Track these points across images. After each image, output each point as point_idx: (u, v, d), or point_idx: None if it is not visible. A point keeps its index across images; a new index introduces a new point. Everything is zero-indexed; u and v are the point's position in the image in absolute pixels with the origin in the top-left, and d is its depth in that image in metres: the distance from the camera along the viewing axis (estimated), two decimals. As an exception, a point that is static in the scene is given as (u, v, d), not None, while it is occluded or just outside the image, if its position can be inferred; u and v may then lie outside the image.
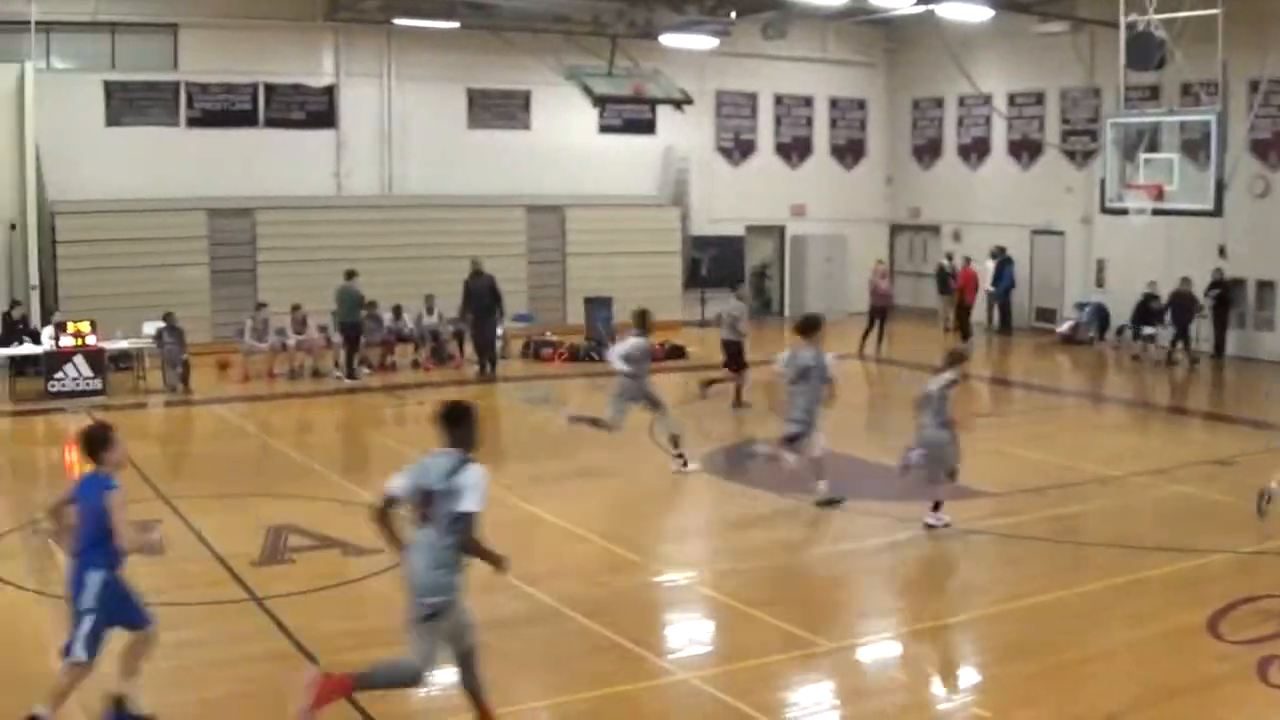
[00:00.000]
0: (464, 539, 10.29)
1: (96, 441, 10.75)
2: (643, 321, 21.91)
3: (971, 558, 16.60)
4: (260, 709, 11.46)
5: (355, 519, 17.54)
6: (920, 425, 17.25)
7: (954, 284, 40.03)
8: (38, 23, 32.66)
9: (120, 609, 10.72)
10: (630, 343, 21.74)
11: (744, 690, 11.70)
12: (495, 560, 10.60)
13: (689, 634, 13.81)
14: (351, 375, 30.80)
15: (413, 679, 10.51)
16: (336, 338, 31.85)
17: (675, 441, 21.10)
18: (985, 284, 39.87)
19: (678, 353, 34.12)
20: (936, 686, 12.40)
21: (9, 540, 16.88)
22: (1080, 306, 38.24)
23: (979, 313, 40.16)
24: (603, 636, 12.94)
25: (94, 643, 10.57)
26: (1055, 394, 30.32)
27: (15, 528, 17.53)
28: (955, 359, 17.99)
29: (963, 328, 38.08)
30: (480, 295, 31.92)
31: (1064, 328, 37.80)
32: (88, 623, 10.50)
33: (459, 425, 10.57)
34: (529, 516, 17.95)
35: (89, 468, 10.83)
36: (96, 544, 10.47)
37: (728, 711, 11.40)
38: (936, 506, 17.27)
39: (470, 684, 10.81)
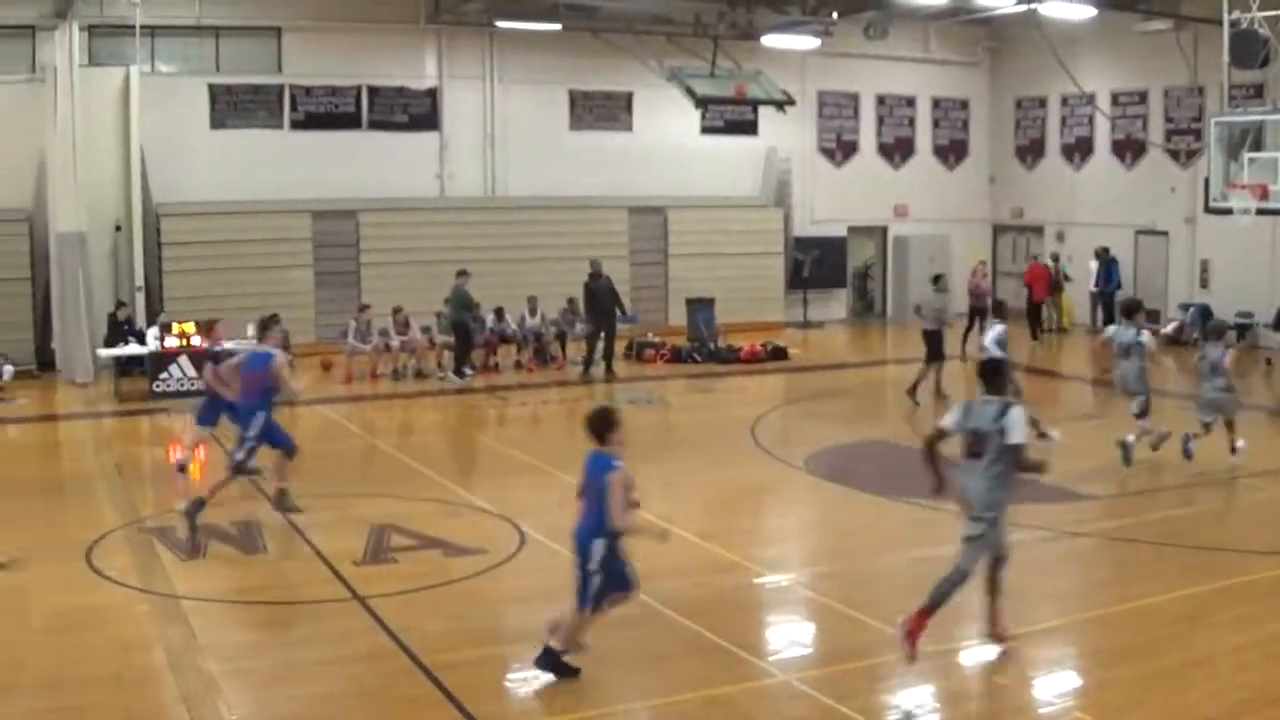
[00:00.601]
0: (1019, 464, 12.38)
1: (604, 423, 12.35)
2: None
3: (1076, 561, 16.46)
4: (363, 708, 11.51)
5: (458, 519, 17.75)
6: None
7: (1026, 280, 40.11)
8: (143, 26, 33.02)
9: (615, 575, 12.11)
10: (998, 329, 22.77)
11: (845, 693, 11.66)
12: (1038, 467, 12.89)
13: (790, 635, 13.76)
14: (459, 375, 30.94)
15: (962, 582, 12.43)
16: (440, 338, 32.05)
17: None
18: (1090, 284, 39.56)
19: (780, 354, 34.05)
20: (1039, 690, 12.29)
21: (114, 538, 17.04)
22: (1184, 308, 37.83)
23: (1083, 313, 39.86)
24: (704, 637, 12.91)
25: (596, 600, 12.04)
26: (1160, 395, 29.95)
27: (120, 526, 17.72)
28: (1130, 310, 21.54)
29: (1032, 326, 37.85)
30: (601, 297, 32.00)
31: (1168, 329, 37.37)
32: (594, 582, 11.97)
33: (995, 379, 12.86)
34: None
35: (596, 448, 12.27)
36: (599, 517, 12.02)
37: (829, 714, 11.36)
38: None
39: (994, 585, 12.75)
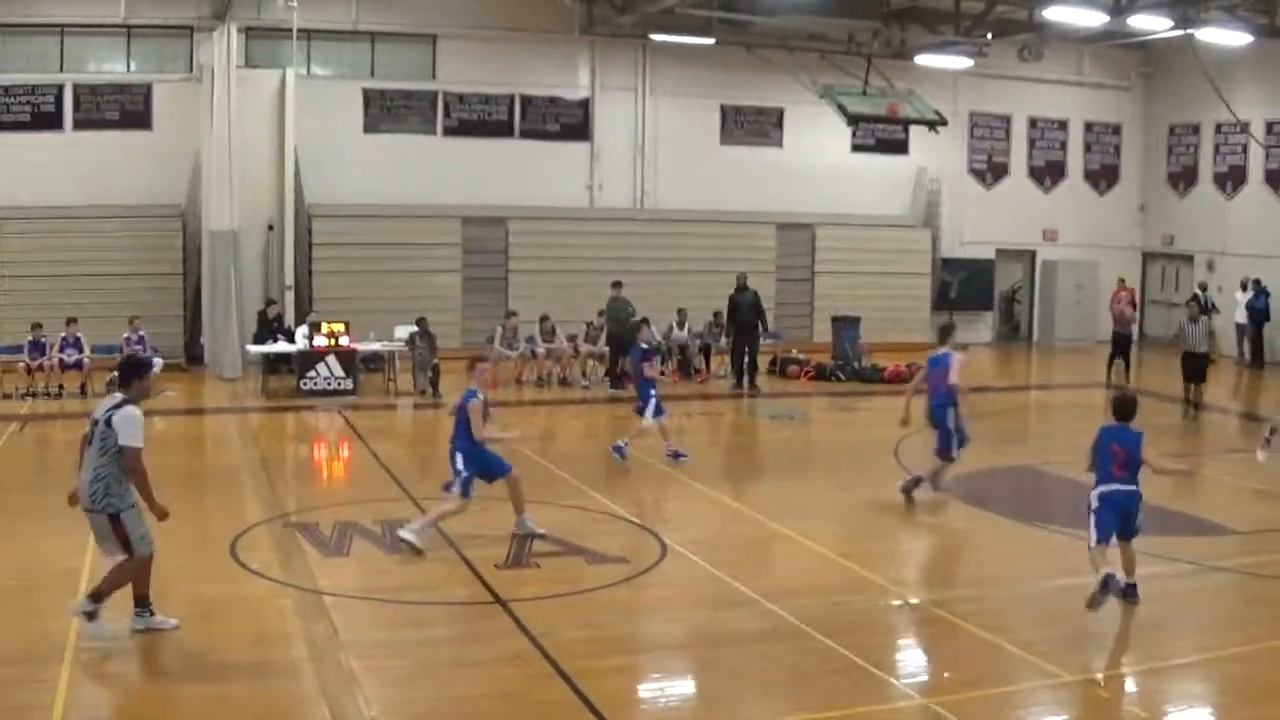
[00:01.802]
0: None
1: (469, 366, 17.03)
2: None
3: (1217, 596, 16.21)
4: (500, 710, 11.59)
5: (599, 527, 17.80)
6: None
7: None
8: (299, 30, 33.49)
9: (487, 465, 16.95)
10: None
11: (981, 719, 11.59)
12: None
13: (928, 658, 13.67)
14: (615, 385, 31.08)
15: None
16: (585, 347, 32.23)
17: None
18: (1236, 316, 39.02)
19: (914, 375, 33.80)
20: (1177, 725, 12.16)
21: (257, 532, 17.26)
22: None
23: (1229, 345, 39.32)
24: (841, 656, 12.85)
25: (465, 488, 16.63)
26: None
27: (264, 520, 17.94)
28: None
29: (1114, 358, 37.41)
30: (744, 310, 32.03)
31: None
32: (465, 478, 16.66)
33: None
34: (772, 533, 17.98)
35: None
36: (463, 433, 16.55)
37: (965, 738, 11.32)
38: None
39: None
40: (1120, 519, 14.58)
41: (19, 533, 16.92)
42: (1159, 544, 17.20)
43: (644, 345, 23.30)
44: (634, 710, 11.84)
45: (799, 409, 29.48)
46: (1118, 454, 14.57)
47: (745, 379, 31.91)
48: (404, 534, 16.25)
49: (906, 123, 37.38)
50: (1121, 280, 39.32)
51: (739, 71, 38.38)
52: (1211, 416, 30.32)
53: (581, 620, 13.96)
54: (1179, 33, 32.47)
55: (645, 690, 12.33)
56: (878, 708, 11.88)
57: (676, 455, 22.47)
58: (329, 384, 29.07)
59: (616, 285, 32.01)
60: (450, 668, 12.44)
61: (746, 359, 32.16)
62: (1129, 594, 14.74)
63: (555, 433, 27.73)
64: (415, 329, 30.00)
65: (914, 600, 15.33)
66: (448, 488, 16.75)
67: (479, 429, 16.40)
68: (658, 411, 22.44)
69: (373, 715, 11.19)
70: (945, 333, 21.47)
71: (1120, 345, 34.05)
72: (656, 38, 36.35)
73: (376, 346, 30.57)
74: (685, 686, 12.44)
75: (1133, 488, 14.57)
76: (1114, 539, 14.54)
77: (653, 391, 22.59)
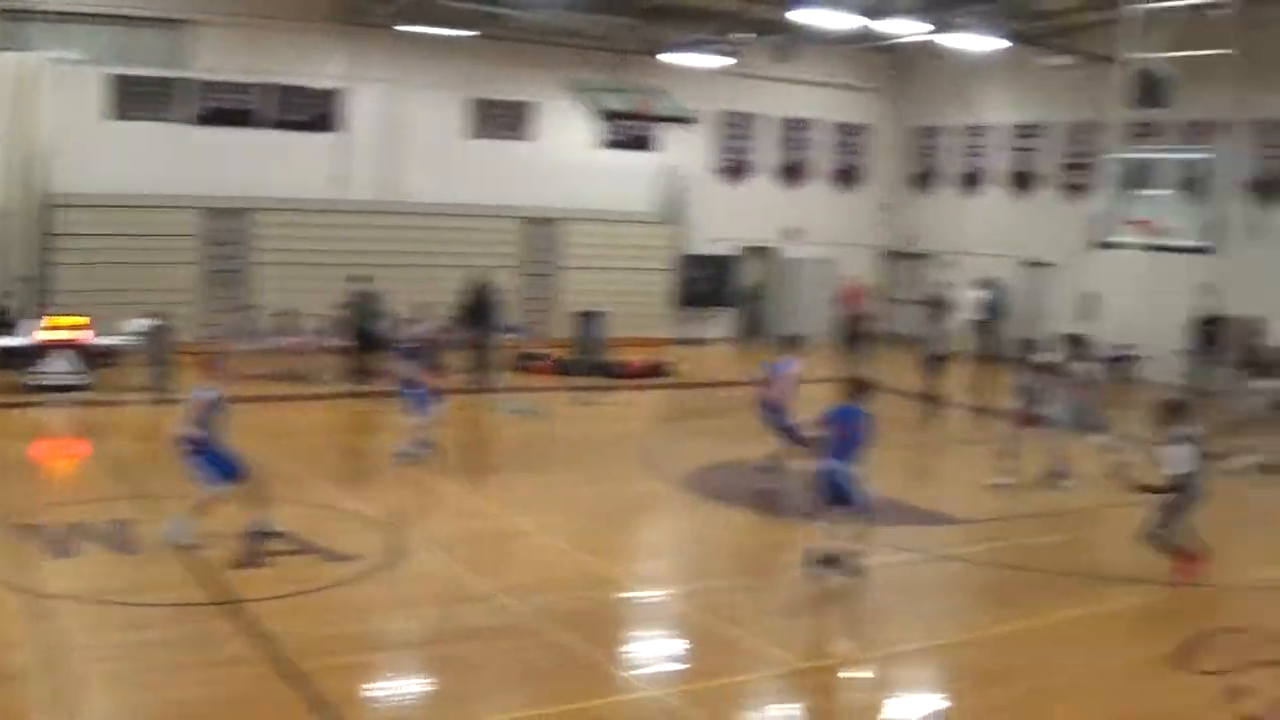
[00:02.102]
0: None
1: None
2: None
3: (943, 585, 16.61)
4: (225, 714, 11.39)
5: (335, 524, 17.64)
6: None
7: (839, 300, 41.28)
8: (49, 12, 32.70)
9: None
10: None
11: (715, 708, 11.72)
12: None
13: (664, 650, 13.76)
14: (359, 380, 30.84)
15: None
16: (330, 342, 31.88)
17: None
18: (971, 313, 39.83)
19: (665, 370, 34.17)
20: (905, 711, 12.39)
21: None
22: (1064, 339, 38.22)
23: (964, 341, 40.24)
24: (579, 651, 12.89)
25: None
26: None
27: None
28: None
29: (849, 341, 38.38)
30: (482, 305, 31.92)
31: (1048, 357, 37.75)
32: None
33: None
34: (512, 529, 17.97)
35: None
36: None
37: (698, 730, 11.41)
38: None
39: None
40: (835, 493, 15.21)
41: None
42: (891, 534, 17.57)
43: (408, 344, 23.03)
44: (365, 709, 11.72)
45: (542, 404, 29.38)
46: (844, 433, 15.01)
47: (483, 374, 31.79)
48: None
49: (658, 120, 37.53)
50: (850, 277, 40.05)
51: (492, 65, 38.24)
52: (949, 411, 31.04)
53: (315, 619, 13.76)
54: (927, 37, 33.10)
55: (378, 689, 12.20)
56: (615, 700, 11.94)
57: (407, 454, 22.23)
58: (61, 379, 28.35)
59: (360, 279, 31.71)
60: (178, 670, 12.16)
61: (482, 354, 32.08)
62: (840, 565, 15.30)
63: (295, 428, 27.38)
64: (151, 322, 29.36)
65: (650, 593, 15.43)
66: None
67: (188, 426, 16.26)
68: (423, 408, 22.30)
69: (94, 721, 10.98)
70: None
71: (850, 338, 34.70)
72: (410, 29, 36.06)
73: (112, 340, 29.89)
74: (419, 684, 12.35)
75: (843, 465, 15.08)
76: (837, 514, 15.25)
77: (423, 390, 22.34)
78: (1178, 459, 15.61)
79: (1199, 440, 15.93)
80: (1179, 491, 15.75)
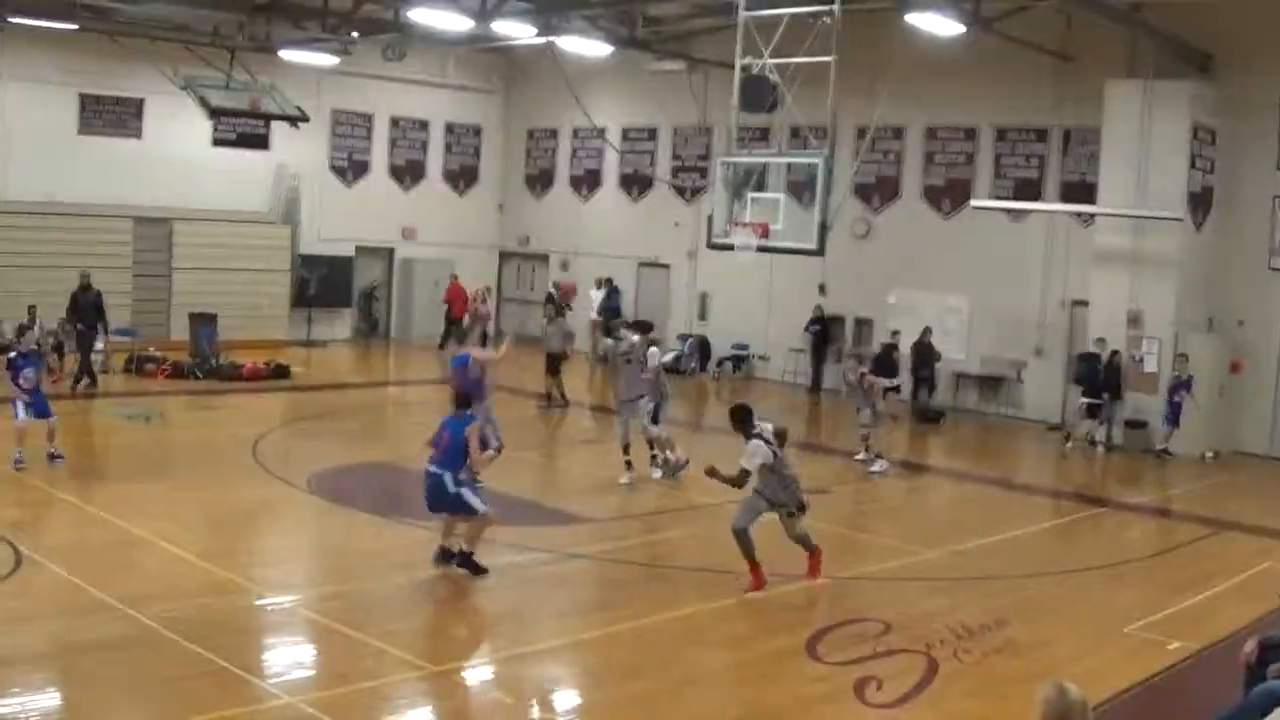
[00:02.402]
0: None
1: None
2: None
3: (574, 583, 16.81)
4: None
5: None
6: None
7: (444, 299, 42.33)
8: None
9: None
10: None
11: (350, 714, 11.64)
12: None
13: (295, 657, 13.60)
14: None
15: None
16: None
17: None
18: (591, 312, 40.32)
19: (283, 372, 33.80)
20: (541, 709, 12.50)
21: None
22: (683, 338, 39.06)
23: (582, 341, 40.72)
24: (206, 660, 12.63)
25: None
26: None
27: None
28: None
29: (444, 341, 39.43)
30: (86, 309, 31.07)
31: (667, 358, 38.48)
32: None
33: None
34: (131, 537, 17.52)
35: None
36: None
37: (333, 736, 11.35)
38: None
39: None
40: (433, 495, 15.91)
41: None
42: (517, 534, 17.72)
43: (22, 351, 22.13)
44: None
45: (155, 408, 28.72)
46: (443, 439, 15.83)
47: (86, 378, 30.93)
48: None
49: (268, 118, 37.03)
50: (487, 288, 40.25)
51: (101, 60, 37.12)
52: (568, 410, 31.43)
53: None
54: (542, 40, 33.37)
55: (3, 706, 11.84)
56: (246, 709, 11.73)
57: (21, 462, 21.40)
58: None
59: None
60: None
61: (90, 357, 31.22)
62: (462, 562, 15.97)
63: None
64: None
65: (277, 599, 15.25)
66: None
67: None
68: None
69: None
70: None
71: (450, 334, 34.92)
72: (13, 20, 34.83)
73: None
74: (48, 699, 11.99)
75: (439, 470, 15.80)
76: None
77: (39, 395, 21.81)
78: (751, 454, 16.00)
79: (772, 440, 16.31)
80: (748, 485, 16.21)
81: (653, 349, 23.40)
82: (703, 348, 38.82)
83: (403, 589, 15.81)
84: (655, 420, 22.94)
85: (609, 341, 24.88)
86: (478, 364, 21.82)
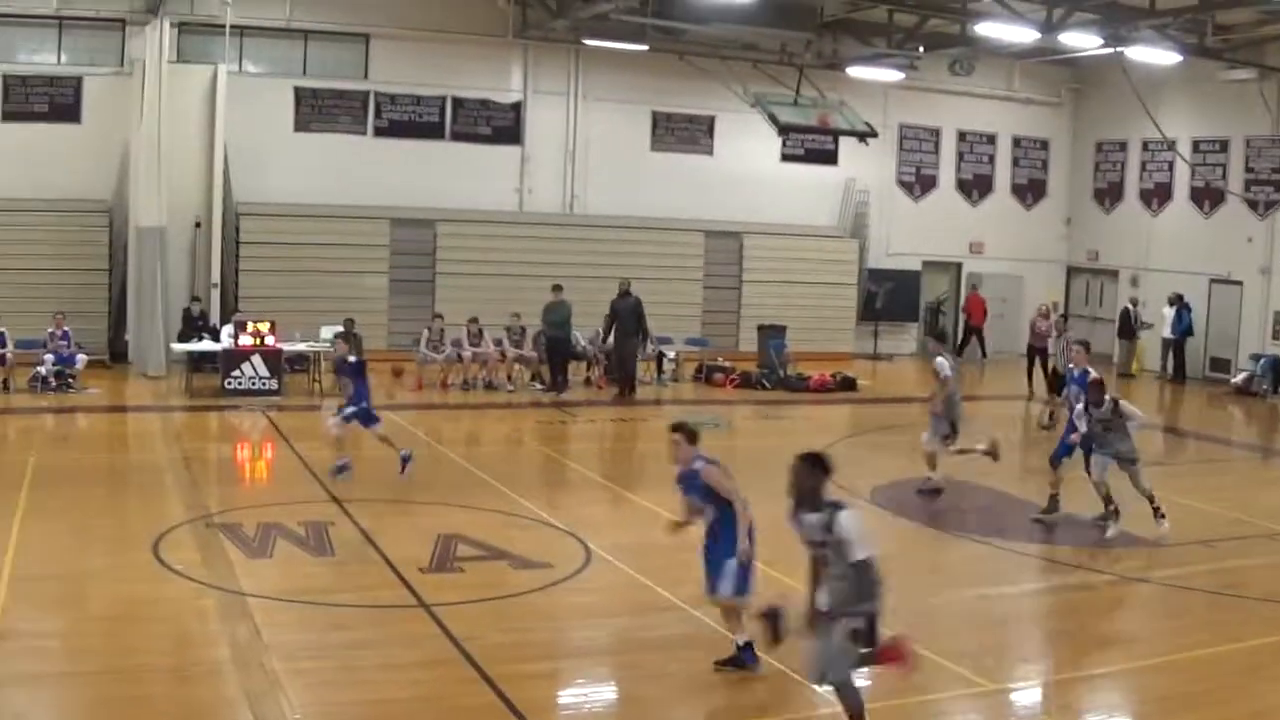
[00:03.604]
0: None
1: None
2: None
3: (1135, 608, 16.41)
4: (423, 713, 11.60)
5: (524, 532, 17.80)
6: None
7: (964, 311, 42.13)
8: (232, 26, 33.30)
9: None
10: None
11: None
12: None
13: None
14: (555, 389, 31.39)
15: None
16: (514, 351, 32.18)
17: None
18: (1164, 330, 39.30)
19: (849, 384, 34.00)
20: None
21: (180, 532, 17.15)
22: (1256, 358, 37.61)
23: (1153, 360, 39.67)
24: (765, 662, 12.82)
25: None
26: (1225, 445, 29.83)
27: (187, 520, 17.83)
28: None
29: (961, 347, 39.11)
30: (625, 317, 32.10)
31: (1238, 379, 37.22)
32: None
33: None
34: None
35: None
36: None
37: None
38: None
39: None
40: None
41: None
42: (1071, 553, 17.39)
43: (351, 359, 21.84)
44: (557, 715, 11.86)
45: (724, 416, 29.45)
46: None
47: (624, 386, 31.91)
48: None
49: (836, 134, 37.41)
50: (1054, 303, 39.62)
51: (671, 78, 38.32)
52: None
53: (505, 625, 13.92)
54: (1109, 50, 32.72)
55: (568, 695, 12.34)
56: (798, 715, 11.90)
57: (342, 469, 21.12)
58: (253, 384, 28.92)
59: (556, 289, 31.96)
60: (373, 671, 12.37)
61: (628, 364, 32.21)
62: None
63: (481, 436, 27.68)
64: (341, 329, 29.76)
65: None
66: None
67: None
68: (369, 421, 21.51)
69: (295, 719, 11.16)
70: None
71: (1035, 357, 34.28)
72: (589, 43, 36.27)
73: (302, 347, 30.38)
74: (607, 692, 12.44)
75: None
76: None
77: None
78: None
79: None
80: None
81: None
82: (1276, 369, 37.25)
83: (961, 604, 15.70)
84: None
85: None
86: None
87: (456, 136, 37.66)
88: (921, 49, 34.67)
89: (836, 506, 10.94)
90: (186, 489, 20.40)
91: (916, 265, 43.32)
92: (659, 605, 14.62)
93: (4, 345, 28.99)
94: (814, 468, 11.26)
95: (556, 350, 31.76)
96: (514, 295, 33.43)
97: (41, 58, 33.94)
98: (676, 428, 12.82)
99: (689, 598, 14.42)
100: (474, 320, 32.09)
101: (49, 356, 29.04)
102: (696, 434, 12.70)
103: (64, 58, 34.04)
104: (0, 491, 18.76)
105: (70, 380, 29.06)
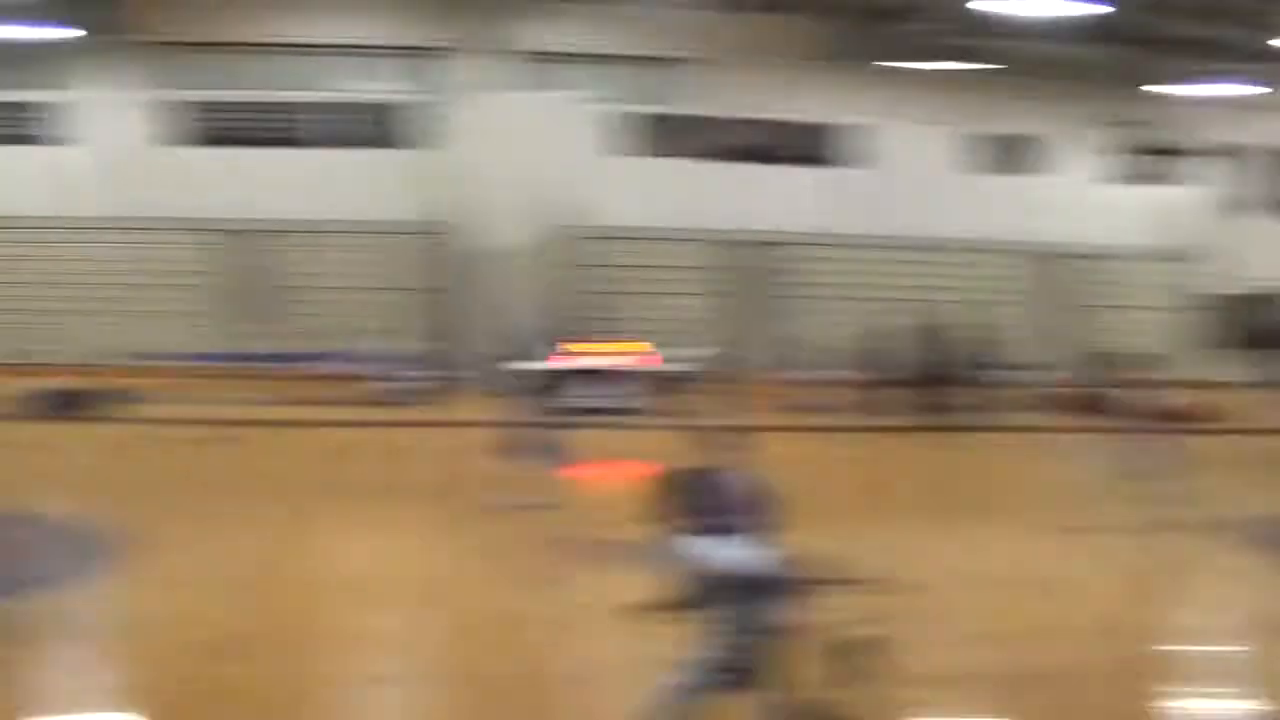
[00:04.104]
0: None
1: None
2: None
3: None
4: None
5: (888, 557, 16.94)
6: None
7: None
8: (574, 54, 33.82)
9: None
10: None
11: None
12: None
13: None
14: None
15: None
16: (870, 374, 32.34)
17: None
18: None
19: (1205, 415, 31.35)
20: None
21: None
22: None
23: None
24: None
25: None
26: None
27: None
28: None
29: None
30: (940, 343, 32.33)
31: None
32: None
33: None
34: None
35: None
36: None
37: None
38: None
39: None
40: None
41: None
42: None
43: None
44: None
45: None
46: None
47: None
48: None
49: (1187, 154, 37.13)
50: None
51: (985, 97, 38.29)
52: None
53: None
54: None
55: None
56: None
57: None
58: (584, 402, 28.79)
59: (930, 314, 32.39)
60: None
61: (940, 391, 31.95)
62: None
63: (848, 461, 27.54)
64: (707, 352, 29.94)
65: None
66: None
67: None
68: None
69: None
70: None
71: None
72: (918, 66, 36.15)
73: (675, 368, 30.76)
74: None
75: None
76: None
77: None
78: None
79: None
80: None
81: None
82: None
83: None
84: None
85: None
86: None
87: (790, 159, 37.95)
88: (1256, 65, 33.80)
89: None
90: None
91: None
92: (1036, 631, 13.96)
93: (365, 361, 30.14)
94: None
95: (932, 377, 31.83)
96: (853, 318, 33.88)
97: (360, 84, 35.07)
98: None
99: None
100: (825, 343, 32.65)
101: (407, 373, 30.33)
102: None
103: (384, 85, 35.04)
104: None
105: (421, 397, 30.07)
